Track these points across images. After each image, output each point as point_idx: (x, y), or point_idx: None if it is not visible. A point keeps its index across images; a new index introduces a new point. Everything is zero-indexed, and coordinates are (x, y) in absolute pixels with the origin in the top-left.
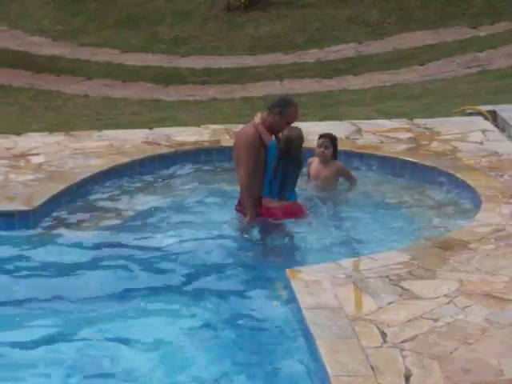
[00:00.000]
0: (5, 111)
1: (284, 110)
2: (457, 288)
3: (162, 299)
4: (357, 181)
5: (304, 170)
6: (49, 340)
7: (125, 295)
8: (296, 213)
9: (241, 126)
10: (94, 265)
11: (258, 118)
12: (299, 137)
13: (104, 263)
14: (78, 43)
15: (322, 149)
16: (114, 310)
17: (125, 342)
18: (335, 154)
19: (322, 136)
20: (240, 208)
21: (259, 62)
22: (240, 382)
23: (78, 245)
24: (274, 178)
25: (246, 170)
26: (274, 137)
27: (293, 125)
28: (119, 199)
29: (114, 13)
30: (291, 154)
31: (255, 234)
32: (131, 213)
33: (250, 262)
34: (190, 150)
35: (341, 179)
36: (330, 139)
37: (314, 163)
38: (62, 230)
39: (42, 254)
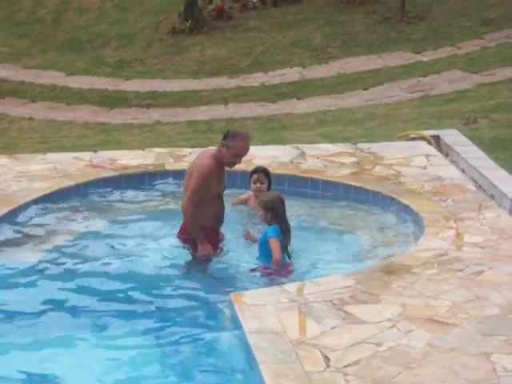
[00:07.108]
0: None
1: (230, 143)
2: (400, 312)
3: (104, 322)
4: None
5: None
6: None
7: (67, 317)
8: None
9: (186, 150)
10: (35, 287)
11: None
12: (280, 199)
13: (46, 285)
14: (23, 66)
15: (257, 184)
16: (54, 330)
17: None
18: (270, 185)
19: (255, 171)
20: (182, 236)
21: (204, 85)
22: None
23: (21, 267)
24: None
25: (193, 200)
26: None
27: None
28: (63, 222)
29: (59, 36)
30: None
31: (203, 260)
32: (75, 236)
33: (193, 286)
34: (134, 173)
35: None
36: (264, 174)
37: (252, 198)
38: (5, 253)
39: None
